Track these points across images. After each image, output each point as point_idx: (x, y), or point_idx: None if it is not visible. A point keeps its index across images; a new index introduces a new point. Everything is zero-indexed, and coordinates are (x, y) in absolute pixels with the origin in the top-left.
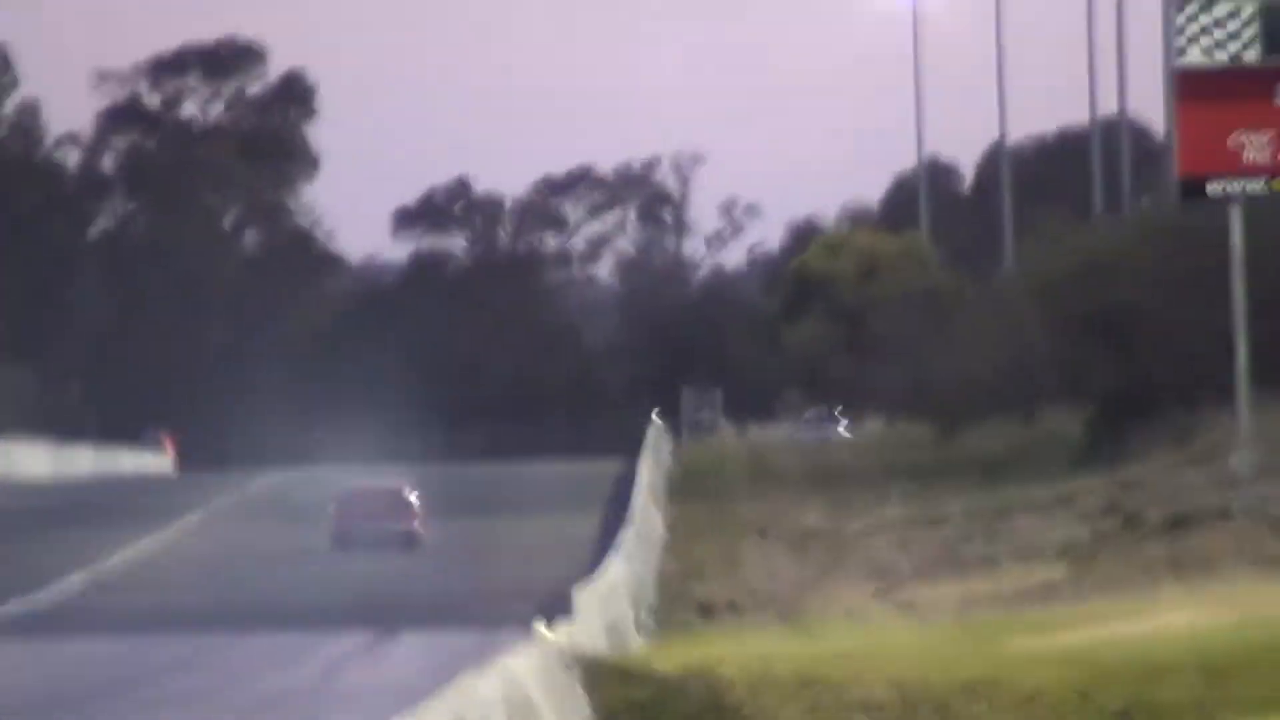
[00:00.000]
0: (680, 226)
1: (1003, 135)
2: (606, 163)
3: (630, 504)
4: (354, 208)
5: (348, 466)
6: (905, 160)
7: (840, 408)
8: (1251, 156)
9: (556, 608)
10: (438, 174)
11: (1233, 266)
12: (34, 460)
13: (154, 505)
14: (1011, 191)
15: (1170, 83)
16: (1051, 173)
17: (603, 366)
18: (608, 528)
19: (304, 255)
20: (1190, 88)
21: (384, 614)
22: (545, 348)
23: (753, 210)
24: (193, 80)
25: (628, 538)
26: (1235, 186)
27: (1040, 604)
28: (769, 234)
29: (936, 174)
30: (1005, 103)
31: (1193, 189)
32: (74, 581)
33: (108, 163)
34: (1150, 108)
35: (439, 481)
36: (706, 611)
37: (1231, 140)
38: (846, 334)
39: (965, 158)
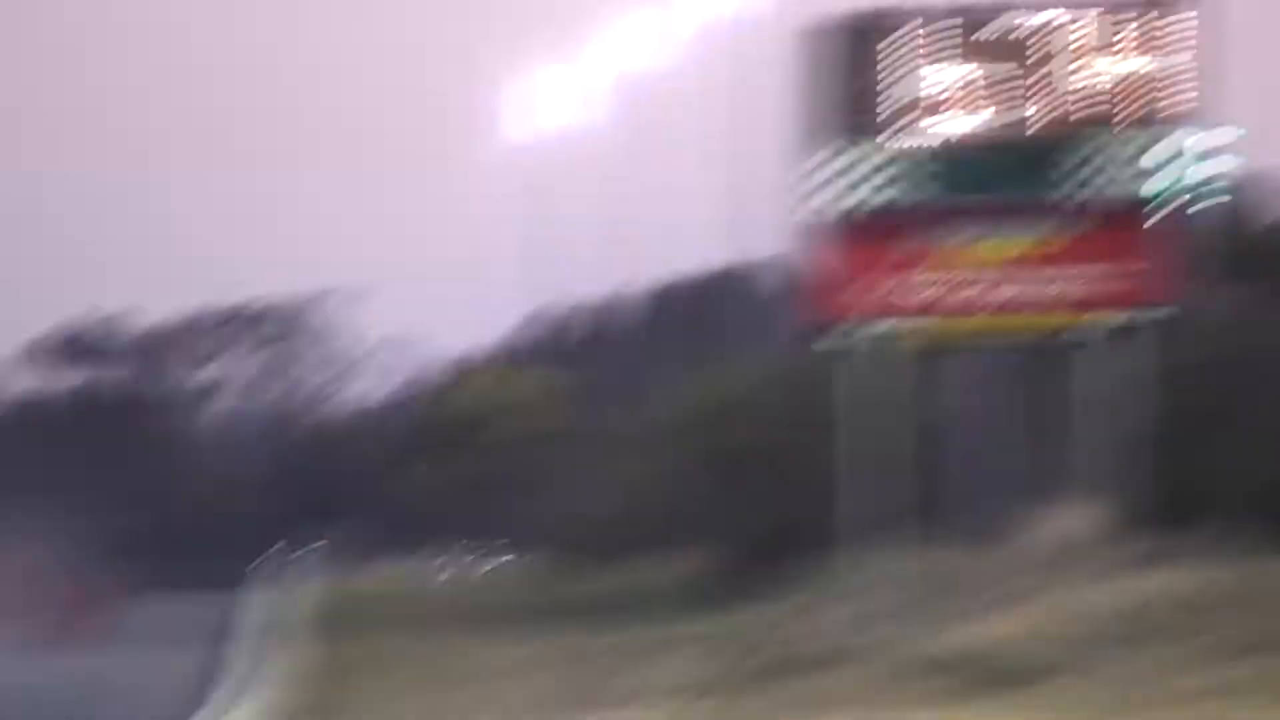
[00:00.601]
0: (312, 363)
1: (632, 276)
2: (239, 298)
3: (253, 640)
4: None
5: None
6: (540, 299)
7: (474, 545)
8: (889, 299)
9: None
10: (75, 307)
11: (859, 410)
12: None
13: None
14: (646, 333)
15: (798, 228)
16: (687, 315)
17: (235, 500)
18: (229, 664)
19: None
20: (829, 231)
21: None
22: (177, 480)
23: (394, 347)
24: None
25: (248, 674)
26: (862, 331)
27: None
28: (403, 371)
29: (570, 314)
30: (637, 244)
31: (820, 333)
32: None
33: None
34: (780, 253)
35: None
36: None
37: (869, 283)
38: (482, 471)
39: (601, 298)
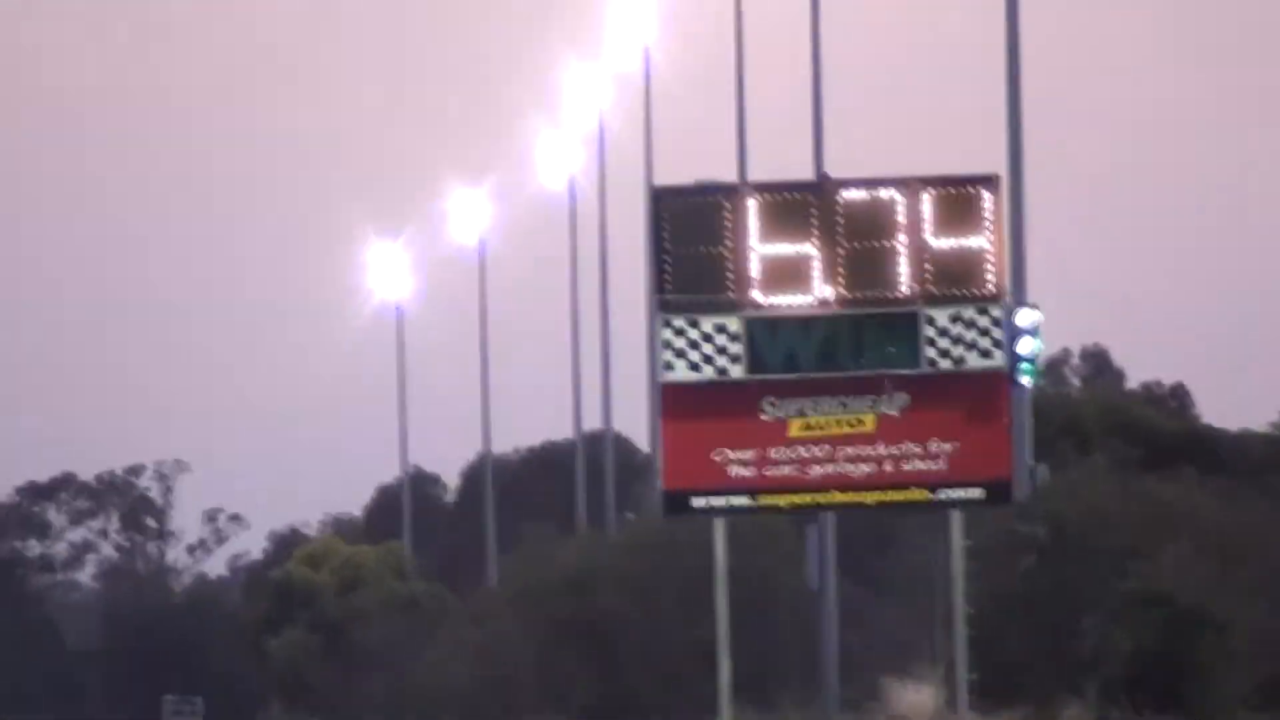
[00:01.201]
0: (163, 534)
1: (487, 447)
2: (89, 469)
3: None
4: None
5: None
6: (389, 471)
7: (328, 714)
8: (736, 472)
9: None
10: None
11: (716, 580)
12: None
13: None
14: (496, 503)
15: (654, 398)
16: (536, 485)
17: (84, 671)
18: None
19: None
20: (674, 403)
21: None
22: (26, 650)
23: (236, 519)
24: None
25: None
26: (719, 501)
27: None
28: (253, 542)
29: (421, 484)
30: (489, 415)
31: (677, 504)
32: None
33: None
34: (635, 422)
35: None
36: None
37: (715, 455)
38: (328, 643)
39: (450, 469)
